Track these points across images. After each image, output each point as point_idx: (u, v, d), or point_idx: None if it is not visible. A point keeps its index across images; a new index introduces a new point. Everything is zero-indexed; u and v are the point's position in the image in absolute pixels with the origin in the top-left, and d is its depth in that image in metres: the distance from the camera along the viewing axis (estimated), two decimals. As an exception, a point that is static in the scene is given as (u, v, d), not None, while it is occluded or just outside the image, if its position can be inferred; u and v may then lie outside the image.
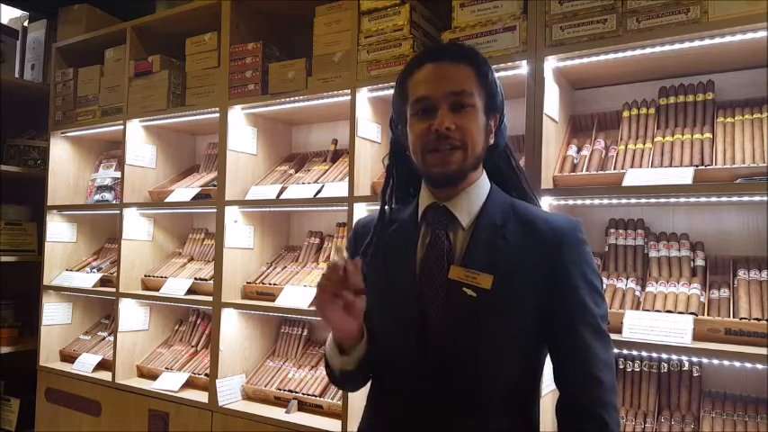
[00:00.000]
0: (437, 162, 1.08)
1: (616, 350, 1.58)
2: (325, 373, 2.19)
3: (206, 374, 2.42)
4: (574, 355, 1.06)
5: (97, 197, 2.99)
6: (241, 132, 2.41)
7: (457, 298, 1.07)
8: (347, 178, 2.03)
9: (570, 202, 1.74)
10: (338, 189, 2.11)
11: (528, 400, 1.13)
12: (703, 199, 1.63)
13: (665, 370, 1.73)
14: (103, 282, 2.83)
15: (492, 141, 1.15)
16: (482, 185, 1.16)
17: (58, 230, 3.04)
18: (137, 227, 2.72)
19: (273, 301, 2.20)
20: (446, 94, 1.08)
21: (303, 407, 2.17)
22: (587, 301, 1.07)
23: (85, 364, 2.76)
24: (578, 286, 1.07)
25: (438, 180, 1.13)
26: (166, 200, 2.61)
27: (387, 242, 1.17)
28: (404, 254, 1.14)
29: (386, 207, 1.21)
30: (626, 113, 1.85)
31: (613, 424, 1.02)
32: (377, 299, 1.11)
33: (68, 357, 2.95)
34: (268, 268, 2.43)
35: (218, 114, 2.39)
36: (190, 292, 2.47)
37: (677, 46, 1.55)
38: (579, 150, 1.84)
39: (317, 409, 2.14)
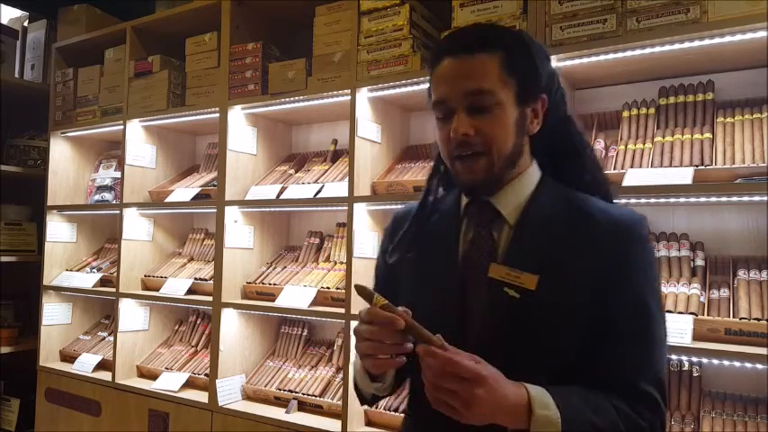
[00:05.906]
0: (463, 170, 0.99)
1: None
2: (324, 373, 2.22)
3: (206, 374, 2.42)
4: (624, 368, 0.94)
5: (97, 197, 2.99)
6: (241, 132, 2.41)
7: (498, 299, 0.96)
8: (347, 178, 2.03)
9: (570, 202, 1.74)
10: (338, 189, 2.11)
11: None
12: (703, 199, 1.63)
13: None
14: (103, 282, 2.83)
15: (538, 127, 1.02)
16: (530, 174, 1.05)
17: (58, 230, 3.04)
18: (137, 227, 2.72)
19: (273, 301, 2.20)
20: (462, 94, 0.96)
21: (303, 407, 2.17)
22: (651, 305, 0.96)
23: (85, 364, 2.76)
24: (642, 292, 0.96)
25: (467, 188, 1.04)
26: (166, 200, 2.61)
27: (427, 234, 1.07)
28: (446, 248, 1.05)
29: (429, 196, 1.12)
30: (626, 113, 1.85)
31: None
32: (415, 295, 1.05)
33: (68, 357, 2.95)
34: (268, 268, 2.43)
35: (218, 114, 2.39)
36: (190, 292, 2.47)
37: (677, 46, 1.55)
38: (579, 150, 1.84)
39: (316, 409, 2.14)
